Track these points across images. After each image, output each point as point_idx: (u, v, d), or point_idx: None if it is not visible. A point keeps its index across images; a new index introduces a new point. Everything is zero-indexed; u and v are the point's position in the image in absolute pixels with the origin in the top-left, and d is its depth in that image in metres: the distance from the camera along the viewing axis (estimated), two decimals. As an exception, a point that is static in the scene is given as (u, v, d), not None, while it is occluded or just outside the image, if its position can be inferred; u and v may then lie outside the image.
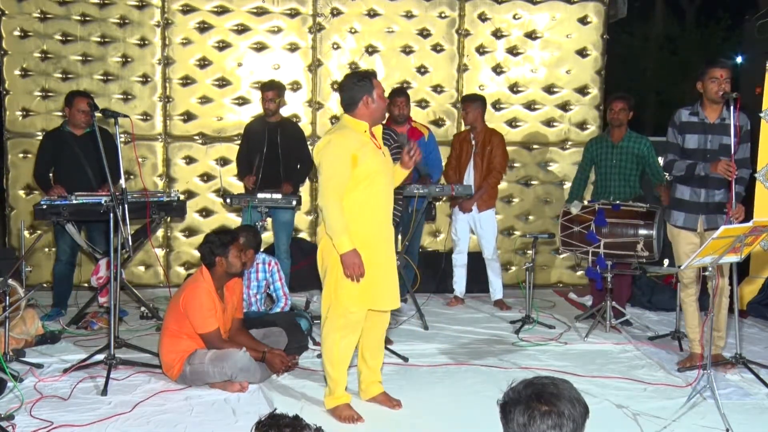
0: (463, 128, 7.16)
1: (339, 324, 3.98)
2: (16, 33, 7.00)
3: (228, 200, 6.03)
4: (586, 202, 6.01)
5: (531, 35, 7.58)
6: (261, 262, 5.49)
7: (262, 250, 5.50)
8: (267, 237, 6.37)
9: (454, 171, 6.61)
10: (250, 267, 5.37)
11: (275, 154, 6.14)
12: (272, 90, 6.13)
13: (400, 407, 4.18)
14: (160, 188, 7.10)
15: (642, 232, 5.67)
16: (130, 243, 4.75)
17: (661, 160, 7.00)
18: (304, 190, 7.20)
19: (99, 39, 7.11)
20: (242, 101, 7.33)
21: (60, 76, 7.08)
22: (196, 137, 7.30)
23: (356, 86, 3.94)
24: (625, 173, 6.15)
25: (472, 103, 6.52)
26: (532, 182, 7.68)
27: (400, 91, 6.43)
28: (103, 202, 5.08)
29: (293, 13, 7.33)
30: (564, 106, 7.66)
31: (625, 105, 6.11)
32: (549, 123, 7.64)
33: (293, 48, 7.37)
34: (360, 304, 3.95)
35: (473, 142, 6.54)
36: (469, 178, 6.54)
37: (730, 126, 4.62)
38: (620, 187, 6.15)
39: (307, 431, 2.28)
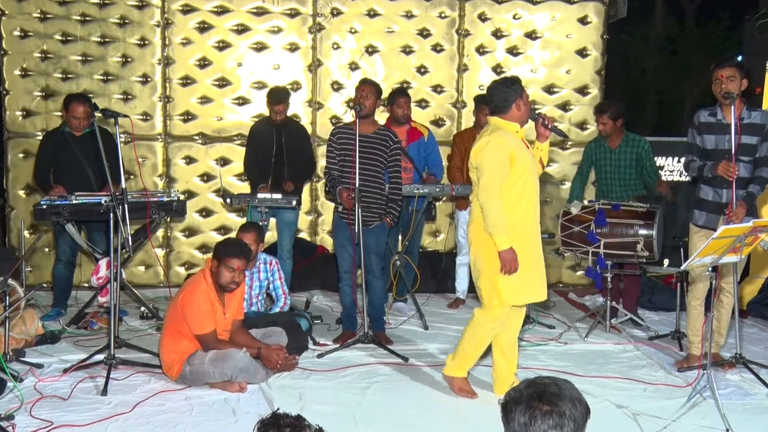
0: (463, 128, 7.18)
1: (497, 314, 4.27)
2: (16, 33, 7.00)
3: (228, 200, 6.03)
4: (586, 202, 6.00)
5: (531, 35, 7.57)
6: (263, 262, 5.50)
7: (262, 250, 5.50)
8: (269, 237, 6.37)
9: (459, 171, 6.49)
10: (253, 267, 5.39)
11: (281, 155, 6.15)
12: (281, 103, 6.10)
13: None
14: (160, 188, 7.09)
15: (642, 232, 5.67)
16: (130, 243, 4.75)
17: (660, 161, 7.03)
18: (304, 190, 7.20)
19: (99, 39, 7.11)
20: (242, 101, 7.33)
21: (60, 76, 7.08)
22: (196, 137, 7.30)
23: (510, 90, 4.24)
24: (625, 177, 6.13)
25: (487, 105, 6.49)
26: (532, 182, 7.67)
27: (402, 92, 6.42)
28: (103, 202, 5.08)
29: (293, 13, 7.33)
30: (564, 106, 7.66)
31: (607, 117, 6.04)
32: (549, 123, 7.63)
33: (293, 48, 7.37)
34: (519, 298, 4.26)
35: None
36: None
37: (751, 125, 4.65)
38: (621, 191, 6.13)
39: (308, 431, 2.27)
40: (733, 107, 4.54)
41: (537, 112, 4.43)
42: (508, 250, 4.10)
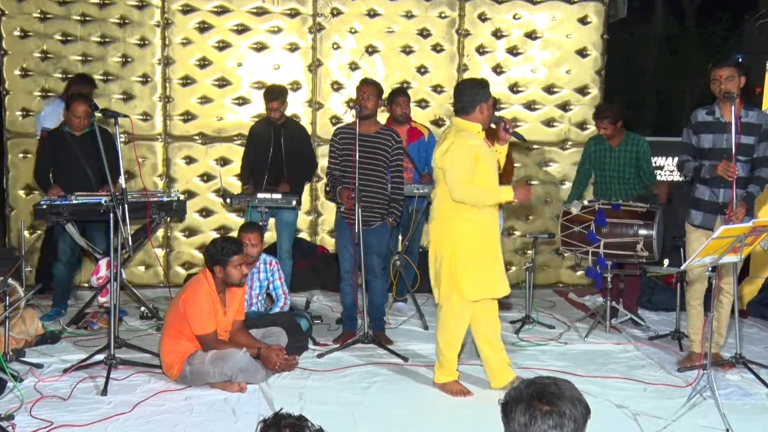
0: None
1: (455, 311, 4.39)
2: (16, 33, 7.00)
3: (228, 200, 6.03)
4: (586, 202, 6.00)
5: (531, 35, 7.57)
6: (262, 262, 5.50)
7: (262, 250, 5.50)
8: (268, 237, 6.37)
9: None
10: (253, 267, 5.39)
11: (280, 155, 6.15)
12: (276, 100, 6.11)
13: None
14: (160, 188, 7.09)
15: (642, 232, 5.67)
16: (130, 243, 4.75)
17: (659, 161, 7.04)
18: (304, 190, 7.20)
19: (99, 39, 7.10)
20: (242, 101, 7.33)
21: (60, 76, 7.07)
22: (196, 137, 7.29)
23: (478, 93, 4.36)
24: (624, 176, 6.14)
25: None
26: (532, 182, 7.68)
27: (402, 91, 6.43)
28: (103, 202, 5.08)
29: (293, 13, 7.33)
30: (564, 106, 7.66)
31: (607, 122, 6.05)
32: (549, 123, 7.64)
33: (293, 48, 7.37)
34: (479, 293, 4.36)
35: None
36: None
37: (748, 125, 4.65)
38: (620, 190, 6.14)
39: (307, 432, 2.26)
40: (733, 107, 4.54)
41: (498, 115, 4.47)
42: (517, 191, 4.32)
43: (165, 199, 5.74)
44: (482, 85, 4.42)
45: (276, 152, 6.15)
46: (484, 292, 4.38)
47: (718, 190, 4.78)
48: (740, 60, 5.01)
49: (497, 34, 7.54)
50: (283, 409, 2.20)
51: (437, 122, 7.52)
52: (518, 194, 4.33)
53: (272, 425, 2.13)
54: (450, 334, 4.44)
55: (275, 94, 6.13)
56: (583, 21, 7.60)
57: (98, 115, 4.87)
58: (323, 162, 7.33)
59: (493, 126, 4.54)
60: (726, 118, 4.71)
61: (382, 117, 6.47)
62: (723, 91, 4.63)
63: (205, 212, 7.36)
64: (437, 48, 7.49)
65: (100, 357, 4.69)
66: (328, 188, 6.00)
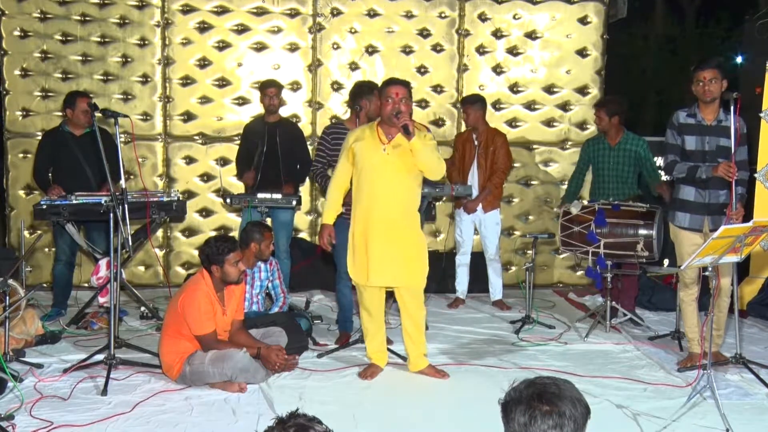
0: (464, 129, 7.15)
1: (359, 297, 4.79)
2: (16, 33, 7.00)
3: (228, 200, 6.03)
4: (585, 202, 6.00)
5: (531, 35, 7.57)
6: (263, 262, 5.50)
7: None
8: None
9: (458, 172, 6.57)
10: (254, 265, 5.39)
11: (275, 154, 6.14)
12: (273, 86, 6.13)
13: (447, 377, 4.70)
14: (160, 188, 7.10)
15: (642, 232, 5.67)
16: (130, 243, 4.75)
17: (659, 161, 7.05)
18: (304, 190, 7.21)
19: (99, 39, 7.11)
20: (242, 101, 7.33)
21: (60, 76, 7.08)
22: (196, 137, 7.30)
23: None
24: (623, 175, 6.15)
25: (471, 105, 6.49)
26: (532, 182, 7.68)
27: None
28: (103, 202, 5.08)
29: (293, 13, 7.33)
30: (564, 106, 7.66)
31: (603, 113, 6.11)
32: (549, 123, 7.64)
33: (293, 48, 7.37)
34: (353, 275, 4.70)
35: (476, 143, 6.53)
36: (473, 178, 6.53)
37: (727, 128, 4.64)
38: (617, 189, 6.16)
39: (311, 432, 2.22)
40: (732, 108, 4.54)
41: (395, 111, 4.46)
42: (324, 225, 4.68)
43: (165, 199, 5.75)
44: (380, 85, 4.73)
45: (269, 151, 6.14)
46: (354, 274, 4.68)
47: (705, 192, 4.77)
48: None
49: (497, 34, 7.54)
50: (298, 410, 2.17)
51: (437, 122, 7.52)
52: (322, 229, 4.70)
53: (278, 424, 2.12)
54: (361, 309, 4.82)
55: (271, 82, 6.19)
56: (583, 21, 7.60)
57: (98, 115, 4.86)
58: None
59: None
60: (707, 121, 4.74)
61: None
62: (709, 93, 4.63)
63: (205, 212, 7.37)
64: (437, 48, 7.49)
65: (100, 357, 4.69)
66: (320, 184, 5.98)
